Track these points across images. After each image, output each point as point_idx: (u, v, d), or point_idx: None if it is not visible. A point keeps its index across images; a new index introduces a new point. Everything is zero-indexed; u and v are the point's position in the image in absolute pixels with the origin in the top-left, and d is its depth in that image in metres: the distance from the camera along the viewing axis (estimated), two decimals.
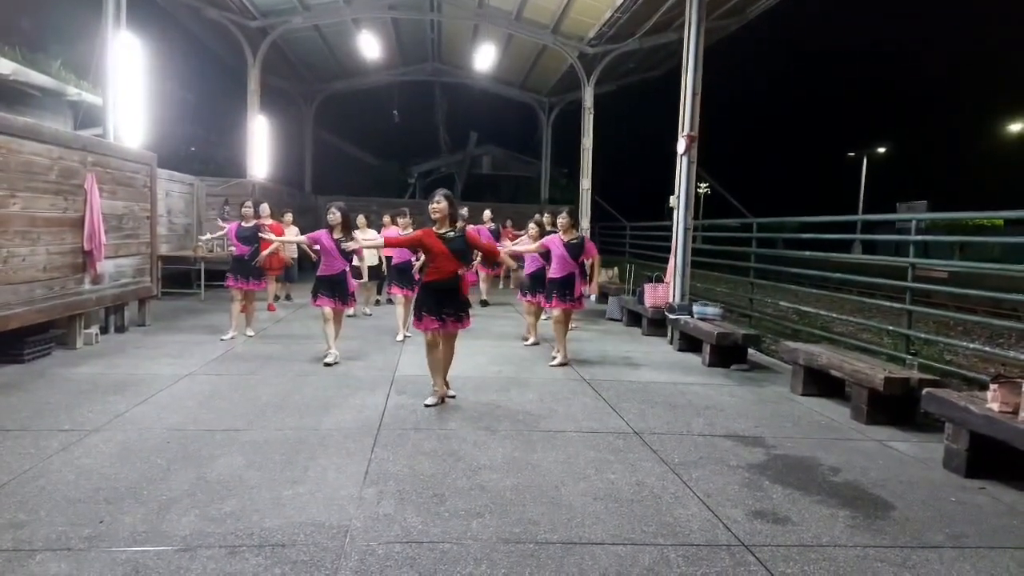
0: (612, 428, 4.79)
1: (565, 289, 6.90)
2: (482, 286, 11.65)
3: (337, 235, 6.55)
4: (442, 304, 5.13)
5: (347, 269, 6.71)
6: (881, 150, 38.76)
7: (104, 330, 7.58)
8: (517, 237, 10.26)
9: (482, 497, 3.46)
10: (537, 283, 7.92)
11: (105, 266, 7.24)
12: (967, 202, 27.76)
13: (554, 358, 6.98)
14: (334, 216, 6.56)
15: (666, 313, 8.45)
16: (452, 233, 5.13)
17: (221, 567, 2.68)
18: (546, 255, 7.31)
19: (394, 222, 9.23)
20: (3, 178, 5.73)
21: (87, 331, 7.06)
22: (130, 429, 4.36)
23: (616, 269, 12.71)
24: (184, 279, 12.13)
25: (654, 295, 9.02)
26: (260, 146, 14.19)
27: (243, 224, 7.78)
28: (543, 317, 8.95)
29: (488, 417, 4.94)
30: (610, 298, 11.10)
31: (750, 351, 7.44)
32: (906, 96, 54.52)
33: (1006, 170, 37.07)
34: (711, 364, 7.12)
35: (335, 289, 6.62)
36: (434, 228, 5.17)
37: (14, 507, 3.15)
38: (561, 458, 4.10)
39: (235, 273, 7.66)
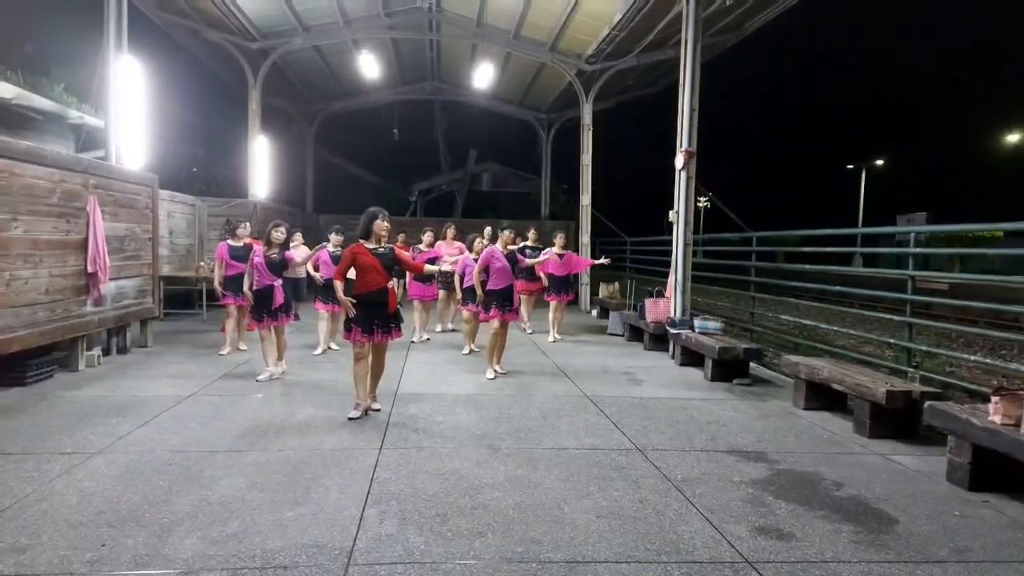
0: (614, 445, 4.78)
1: (504, 301, 6.96)
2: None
3: (271, 252, 6.63)
4: (372, 316, 5.29)
5: (275, 285, 6.61)
6: (880, 162, 38.98)
7: (106, 352, 7.59)
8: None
9: (484, 516, 3.45)
10: (471, 294, 7.96)
11: (107, 288, 7.27)
12: (966, 213, 27.85)
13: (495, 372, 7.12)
14: (280, 234, 6.63)
15: (667, 328, 8.45)
16: (382, 249, 5.35)
17: None
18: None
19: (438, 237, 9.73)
20: (5, 201, 5.77)
21: (89, 353, 7.07)
22: (132, 451, 4.36)
23: (617, 284, 12.72)
24: (186, 299, 12.16)
25: (655, 310, 9.03)
26: (261, 166, 14.27)
27: (232, 244, 7.85)
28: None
29: (490, 435, 4.93)
30: (611, 313, 11.10)
31: (752, 365, 7.42)
32: (904, 108, 54.96)
33: (1004, 181, 37.25)
34: (713, 379, 7.11)
35: (264, 306, 6.58)
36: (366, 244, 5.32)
37: (16, 531, 3.15)
38: (564, 476, 4.10)
39: (234, 290, 7.65)
